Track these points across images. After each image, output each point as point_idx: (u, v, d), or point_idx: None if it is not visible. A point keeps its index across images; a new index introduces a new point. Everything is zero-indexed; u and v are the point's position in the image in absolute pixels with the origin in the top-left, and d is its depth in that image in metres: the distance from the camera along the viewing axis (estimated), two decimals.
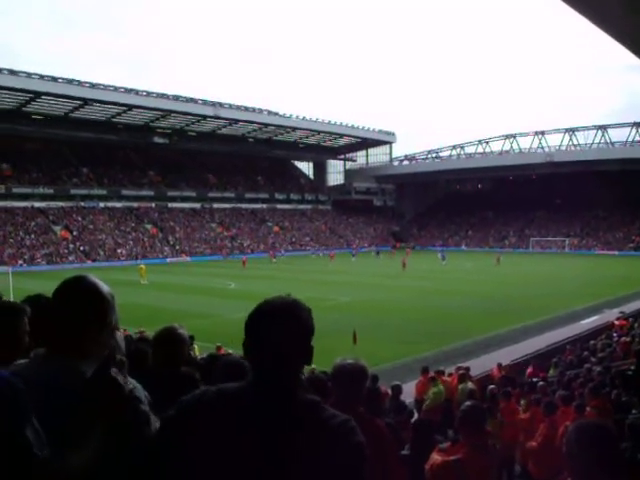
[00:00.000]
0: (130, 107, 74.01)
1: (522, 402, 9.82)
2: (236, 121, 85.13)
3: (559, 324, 25.04)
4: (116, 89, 71.02)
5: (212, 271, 52.88)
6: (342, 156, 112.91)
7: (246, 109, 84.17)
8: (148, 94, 73.76)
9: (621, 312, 23.98)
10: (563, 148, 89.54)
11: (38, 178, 73.85)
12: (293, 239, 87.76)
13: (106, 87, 70.15)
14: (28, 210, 69.82)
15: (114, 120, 78.85)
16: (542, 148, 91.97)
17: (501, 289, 37.57)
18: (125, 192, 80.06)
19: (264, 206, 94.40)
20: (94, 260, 64.58)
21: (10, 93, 65.19)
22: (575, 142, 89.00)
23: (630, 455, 4.50)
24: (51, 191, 73.34)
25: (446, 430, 8.97)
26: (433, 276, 46.87)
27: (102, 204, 76.92)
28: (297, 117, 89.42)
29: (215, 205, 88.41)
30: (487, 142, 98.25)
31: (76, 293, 2.12)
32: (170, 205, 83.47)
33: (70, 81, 67.19)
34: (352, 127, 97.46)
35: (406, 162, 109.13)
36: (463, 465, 3.96)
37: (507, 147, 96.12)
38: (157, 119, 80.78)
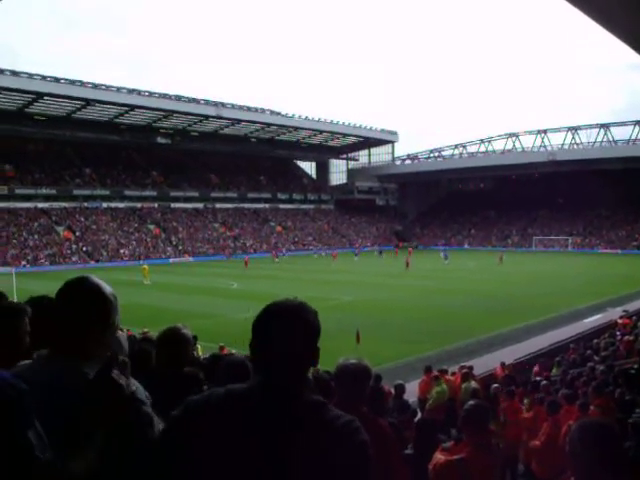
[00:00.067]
0: (132, 107, 74.10)
1: (525, 401, 9.81)
2: (238, 121, 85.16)
3: (562, 323, 25.02)
4: (118, 89, 71.09)
5: (215, 271, 52.89)
6: (345, 156, 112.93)
7: (248, 109, 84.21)
8: (150, 94, 73.81)
9: (624, 311, 23.94)
10: (565, 147, 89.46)
11: (41, 179, 73.94)
12: (296, 239, 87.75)
13: (108, 87, 70.23)
14: (31, 211, 69.93)
15: (117, 120, 78.95)
16: (544, 147, 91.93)
17: (504, 288, 37.54)
18: (128, 192, 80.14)
19: (267, 206, 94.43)
20: (97, 260, 64.66)
21: (12, 94, 65.34)
22: (577, 141, 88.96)
23: (633, 454, 4.50)
24: (54, 192, 73.40)
25: (449, 429, 8.97)
26: (436, 275, 46.86)
27: (105, 204, 77.01)
28: (299, 117, 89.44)
29: (218, 205, 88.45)
30: (489, 141, 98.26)
31: (79, 294, 2.12)
32: (173, 205, 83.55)
33: (72, 82, 67.28)
34: (354, 126, 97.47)
35: (408, 161, 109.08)
36: (466, 464, 3.95)
37: (509, 146, 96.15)
38: (159, 119, 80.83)
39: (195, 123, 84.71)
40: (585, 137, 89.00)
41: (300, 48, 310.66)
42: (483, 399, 8.55)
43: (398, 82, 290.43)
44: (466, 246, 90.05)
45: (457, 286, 38.82)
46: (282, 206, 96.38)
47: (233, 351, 13.41)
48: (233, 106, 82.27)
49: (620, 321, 20.06)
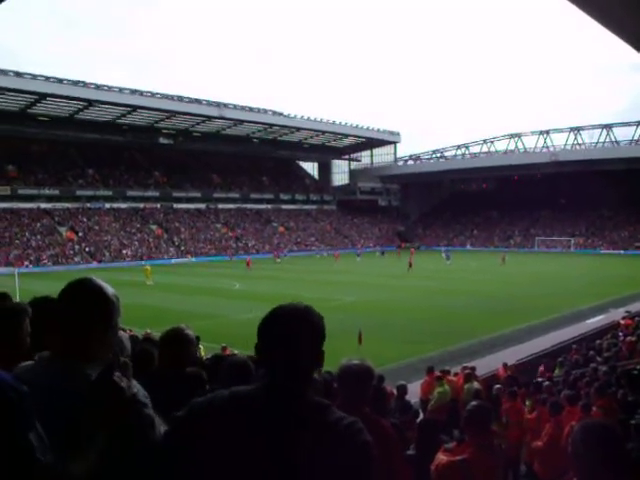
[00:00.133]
0: (135, 108, 74.21)
1: (527, 402, 9.81)
2: (241, 121, 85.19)
3: (564, 324, 24.99)
4: (121, 90, 71.21)
5: (217, 272, 52.94)
6: (347, 156, 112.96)
7: (250, 109, 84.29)
8: (153, 95, 73.92)
9: (627, 311, 23.93)
10: (568, 147, 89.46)
11: (44, 179, 74.04)
12: (298, 239, 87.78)
13: (111, 88, 70.35)
14: (34, 211, 70.03)
15: (119, 121, 79.08)
16: (547, 147, 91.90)
17: (506, 289, 37.51)
18: (130, 193, 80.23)
19: (269, 206, 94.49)
20: (100, 261, 64.74)
21: (16, 95, 65.46)
22: (580, 141, 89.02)
23: (636, 455, 4.49)
24: (57, 192, 73.50)
25: (452, 430, 8.96)
26: (438, 276, 46.84)
27: (107, 205, 77.10)
28: (302, 117, 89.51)
29: (220, 206, 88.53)
30: (492, 142, 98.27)
31: (81, 295, 2.13)
32: (175, 206, 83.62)
33: (75, 82, 67.39)
34: (357, 127, 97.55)
35: (411, 162, 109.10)
36: (469, 465, 3.95)
37: (512, 146, 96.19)
38: (162, 120, 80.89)
39: (197, 124, 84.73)
40: (588, 137, 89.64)
41: (302, 48, 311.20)
42: (485, 400, 8.54)
43: (401, 83, 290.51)
44: (468, 247, 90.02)
45: (459, 287, 38.80)
46: (284, 207, 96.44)
47: (235, 352, 13.41)
48: (235, 107, 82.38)
49: (623, 322, 20.05)
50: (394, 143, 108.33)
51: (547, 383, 10.51)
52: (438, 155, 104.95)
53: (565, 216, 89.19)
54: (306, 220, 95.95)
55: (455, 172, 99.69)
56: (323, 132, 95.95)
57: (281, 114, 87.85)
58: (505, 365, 14.94)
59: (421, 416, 9.94)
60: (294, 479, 1.75)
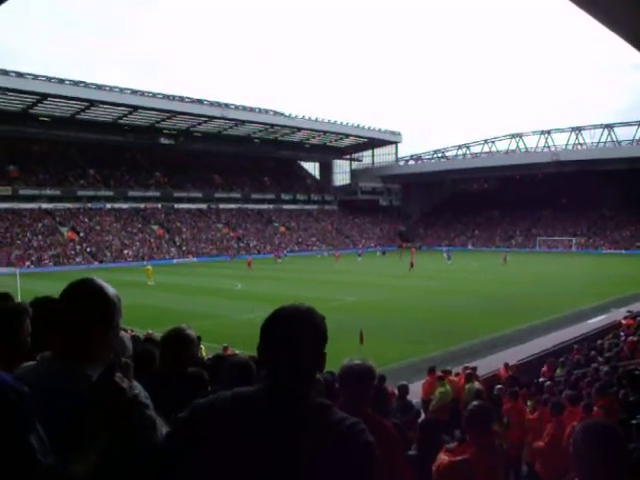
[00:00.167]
0: (136, 108, 74.25)
1: (529, 403, 9.80)
2: (242, 122, 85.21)
3: (566, 324, 24.96)
4: (122, 90, 71.24)
5: (218, 272, 52.92)
6: (348, 156, 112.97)
7: (252, 109, 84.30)
8: (154, 95, 73.98)
9: (628, 311, 23.87)
10: (569, 147, 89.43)
11: (45, 180, 74.10)
12: (299, 239, 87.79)
13: (112, 88, 70.41)
14: (35, 212, 70.09)
15: (120, 121, 79.17)
16: (548, 147, 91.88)
17: (507, 289, 37.49)
18: (131, 193, 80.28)
19: (270, 206, 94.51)
20: (101, 261, 64.80)
21: (17, 95, 65.59)
22: (581, 141, 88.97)
23: (638, 456, 4.49)
24: (58, 192, 73.57)
25: (453, 430, 8.96)
26: (439, 276, 46.82)
27: (109, 205, 77.18)
28: (303, 117, 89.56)
29: (221, 206, 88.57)
30: (493, 141, 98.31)
31: (82, 296, 2.13)
32: (176, 206, 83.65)
33: (76, 83, 67.47)
34: (358, 127, 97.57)
35: (412, 162, 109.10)
36: (470, 465, 3.95)
37: (513, 146, 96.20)
38: (163, 120, 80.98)
39: (199, 124, 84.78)
40: (589, 137, 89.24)
41: (303, 48, 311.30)
42: (487, 400, 8.54)
43: (402, 83, 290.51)
44: (470, 247, 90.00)
45: (461, 287, 38.78)
46: (286, 207, 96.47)
47: (237, 352, 13.42)
48: (237, 107, 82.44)
49: (624, 322, 20.03)
50: (395, 143, 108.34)
51: (548, 383, 10.51)
52: (439, 155, 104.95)
53: (566, 216, 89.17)
54: (307, 220, 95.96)
55: (456, 172, 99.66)
56: (324, 132, 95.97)
57: (282, 114, 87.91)
58: (506, 365, 14.93)
59: (422, 416, 9.94)
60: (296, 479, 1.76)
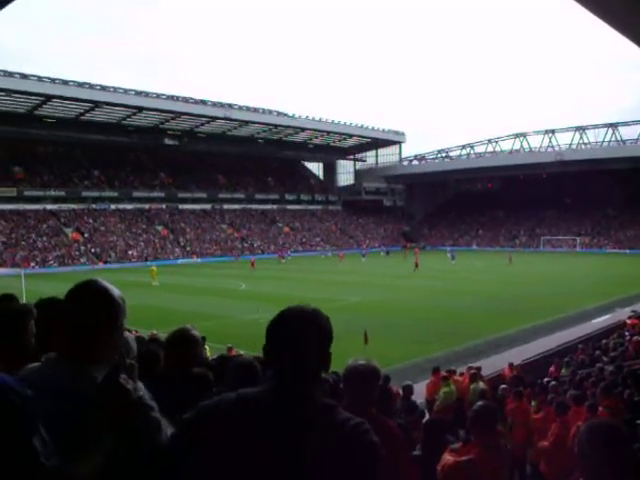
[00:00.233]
0: (140, 109, 74.32)
1: (533, 403, 9.78)
2: (246, 122, 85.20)
3: (570, 324, 24.91)
4: (126, 91, 71.35)
5: (222, 272, 52.95)
6: (352, 156, 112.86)
7: (255, 110, 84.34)
8: (158, 96, 74.06)
9: (633, 311, 23.80)
10: (573, 147, 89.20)
11: (49, 181, 74.28)
12: (303, 240, 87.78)
13: (116, 89, 70.51)
14: (40, 213, 70.24)
15: (125, 122, 79.28)
16: (552, 147, 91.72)
17: (511, 289, 37.42)
18: (136, 194, 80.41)
19: (274, 207, 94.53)
20: (105, 262, 64.85)
21: (22, 97, 65.71)
22: (585, 140, 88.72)
23: None
24: (62, 193, 73.75)
25: (457, 430, 8.95)
26: (443, 276, 46.78)
27: (113, 206, 77.32)
28: (307, 117, 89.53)
29: (225, 206, 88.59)
30: (497, 141, 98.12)
31: (87, 297, 2.13)
32: (180, 206, 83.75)
33: (81, 84, 67.58)
34: (362, 127, 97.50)
35: (416, 162, 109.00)
36: (475, 465, 3.95)
37: (517, 146, 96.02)
38: (167, 121, 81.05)
39: (202, 124, 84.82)
40: (593, 137, 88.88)
41: (307, 49, 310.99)
42: (491, 400, 8.53)
43: (405, 83, 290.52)
44: (474, 246, 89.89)
45: (465, 287, 38.74)
46: (290, 207, 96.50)
47: (241, 352, 13.43)
48: (240, 107, 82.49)
49: (629, 321, 19.96)
50: (399, 143, 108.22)
51: (553, 383, 10.49)
52: (443, 155, 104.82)
53: (571, 215, 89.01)
54: (311, 220, 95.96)
55: (460, 172, 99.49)
56: (328, 132, 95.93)
57: (286, 114, 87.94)
58: (511, 365, 14.90)
59: (427, 416, 9.93)
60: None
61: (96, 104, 70.32)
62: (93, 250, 67.11)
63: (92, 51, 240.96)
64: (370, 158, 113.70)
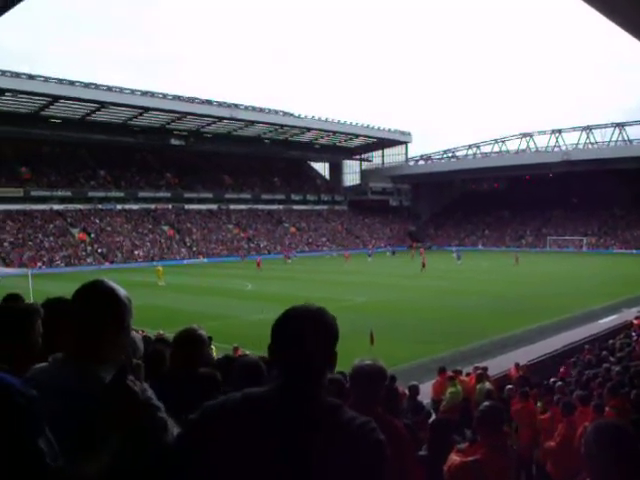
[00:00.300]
0: (146, 109, 74.43)
1: (539, 403, 9.76)
2: (252, 122, 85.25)
3: (576, 324, 24.80)
4: (132, 92, 71.49)
5: (228, 272, 53.00)
6: (358, 156, 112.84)
7: (261, 110, 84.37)
8: (164, 96, 74.15)
9: None
10: (580, 146, 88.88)
11: (56, 181, 74.51)
12: (310, 240, 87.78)
13: (122, 90, 70.64)
14: (47, 213, 70.47)
15: (131, 122, 79.41)
16: (559, 147, 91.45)
17: (517, 289, 37.36)
18: (142, 194, 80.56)
19: (280, 207, 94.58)
20: (112, 262, 64.99)
21: (28, 97, 65.93)
22: (592, 140, 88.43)
23: None
24: (69, 194, 73.97)
25: (464, 430, 8.95)
26: (449, 276, 46.74)
27: (119, 206, 77.47)
28: (313, 117, 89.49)
29: (231, 206, 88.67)
30: (503, 141, 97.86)
31: (93, 297, 2.14)
32: (187, 207, 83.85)
33: (87, 85, 67.75)
34: (368, 127, 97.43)
35: (422, 162, 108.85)
36: (481, 466, 3.95)
37: (523, 146, 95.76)
38: (173, 121, 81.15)
39: (209, 124, 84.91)
40: (600, 136, 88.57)
41: (313, 49, 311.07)
42: (497, 400, 8.52)
43: (411, 83, 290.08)
44: (480, 246, 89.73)
45: (470, 287, 38.71)
46: (296, 207, 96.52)
47: (247, 352, 13.44)
48: (246, 107, 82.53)
49: (636, 322, 19.90)
50: (405, 143, 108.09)
51: (560, 383, 10.46)
52: (449, 155, 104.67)
53: (577, 215, 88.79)
54: (317, 220, 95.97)
55: (466, 172, 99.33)
56: (334, 132, 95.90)
57: (292, 114, 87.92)
58: (517, 365, 14.87)
59: (433, 416, 9.92)
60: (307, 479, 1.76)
61: (102, 104, 70.50)
62: (99, 250, 67.28)
63: (92, 51, 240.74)
64: (376, 158, 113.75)
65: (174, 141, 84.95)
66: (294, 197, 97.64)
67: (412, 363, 18.56)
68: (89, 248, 66.94)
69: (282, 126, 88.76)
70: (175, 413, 2.20)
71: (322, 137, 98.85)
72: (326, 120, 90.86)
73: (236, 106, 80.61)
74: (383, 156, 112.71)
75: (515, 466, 5.27)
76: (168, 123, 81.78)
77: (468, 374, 13.51)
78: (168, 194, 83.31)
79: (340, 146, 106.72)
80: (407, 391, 10.27)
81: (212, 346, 13.31)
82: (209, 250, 75.17)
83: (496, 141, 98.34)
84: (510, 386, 10.90)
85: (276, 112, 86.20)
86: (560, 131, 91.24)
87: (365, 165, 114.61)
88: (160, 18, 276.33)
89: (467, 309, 29.34)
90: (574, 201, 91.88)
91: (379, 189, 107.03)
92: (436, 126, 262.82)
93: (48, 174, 74.52)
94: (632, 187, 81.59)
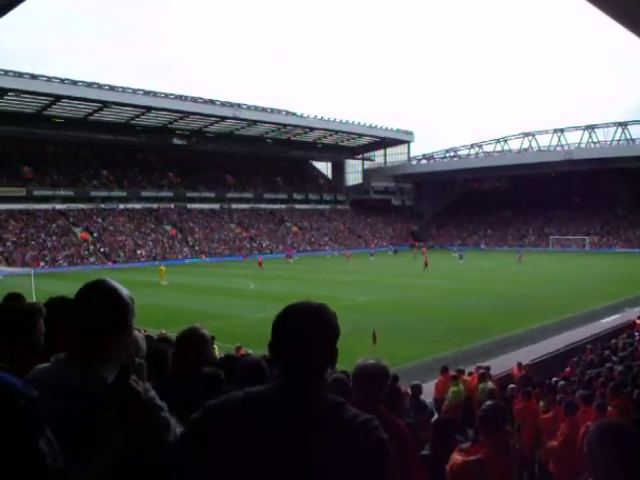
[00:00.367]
0: (149, 109, 74.53)
1: (541, 403, 9.75)
2: (254, 122, 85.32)
3: (578, 323, 24.76)
4: (135, 91, 71.57)
5: (231, 272, 53.01)
6: (360, 156, 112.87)
7: (264, 110, 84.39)
8: (166, 96, 74.17)
9: None
10: (582, 146, 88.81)
11: (59, 181, 74.61)
12: (312, 239, 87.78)
13: (125, 89, 70.75)
14: (49, 212, 70.57)
15: (133, 122, 79.54)
16: (561, 146, 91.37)
17: (519, 288, 37.30)
18: (144, 194, 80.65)
19: (283, 206, 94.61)
20: (114, 261, 65.06)
21: (31, 97, 66.03)
22: (594, 139, 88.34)
23: None
24: (71, 193, 74.08)
25: (466, 430, 8.94)
26: (451, 275, 46.72)
27: (122, 206, 77.57)
28: (315, 117, 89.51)
29: (234, 206, 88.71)
30: (505, 140, 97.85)
31: (96, 297, 2.14)
32: (189, 206, 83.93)
33: (89, 84, 67.83)
34: (370, 127, 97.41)
35: (424, 161, 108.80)
36: (484, 465, 3.95)
37: (526, 145, 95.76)
38: (176, 121, 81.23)
39: (211, 124, 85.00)
40: (602, 136, 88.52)
41: (315, 48, 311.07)
42: (500, 400, 8.51)
43: (414, 82, 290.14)
44: (482, 246, 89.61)
45: (473, 286, 38.68)
46: (298, 206, 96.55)
47: (250, 351, 13.44)
48: (249, 107, 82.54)
49: (638, 321, 19.85)
50: (407, 142, 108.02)
51: (562, 383, 10.45)
52: (451, 154, 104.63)
53: (579, 215, 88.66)
54: (320, 220, 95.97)
55: (468, 171, 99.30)
56: (336, 132, 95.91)
57: (294, 114, 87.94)
58: (519, 365, 14.85)
59: (436, 416, 9.92)
60: (309, 479, 1.76)
61: (105, 104, 70.59)
62: (102, 250, 67.34)
63: (93, 52, 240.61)
64: (379, 157, 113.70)
65: (176, 141, 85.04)
66: (296, 196, 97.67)
67: (415, 362, 18.55)
68: (92, 247, 67.01)
69: (285, 126, 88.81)
70: (178, 413, 2.20)
71: (325, 137, 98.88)
72: (329, 120, 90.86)
73: (239, 106, 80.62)
74: (385, 155, 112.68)
75: (517, 465, 5.26)
76: (170, 123, 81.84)
77: (470, 373, 13.50)
78: (170, 194, 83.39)
79: (342, 145, 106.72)
80: (410, 390, 10.26)
81: (215, 345, 13.33)
82: (211, 249, 75.22)
83: (498, 140, 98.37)
84: (512, 385, 10.88)
85: (279, 112, 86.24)
86: (562, 130, 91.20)
87: (367, 164, 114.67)
88: (160, 19, 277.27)
89: (469, 308, 29.31)
90: (576, 200, 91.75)
91: (381, 188, 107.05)
92: (438, 126, 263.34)
93: (51, 174, 74.62)
94: (635, 186, 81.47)
